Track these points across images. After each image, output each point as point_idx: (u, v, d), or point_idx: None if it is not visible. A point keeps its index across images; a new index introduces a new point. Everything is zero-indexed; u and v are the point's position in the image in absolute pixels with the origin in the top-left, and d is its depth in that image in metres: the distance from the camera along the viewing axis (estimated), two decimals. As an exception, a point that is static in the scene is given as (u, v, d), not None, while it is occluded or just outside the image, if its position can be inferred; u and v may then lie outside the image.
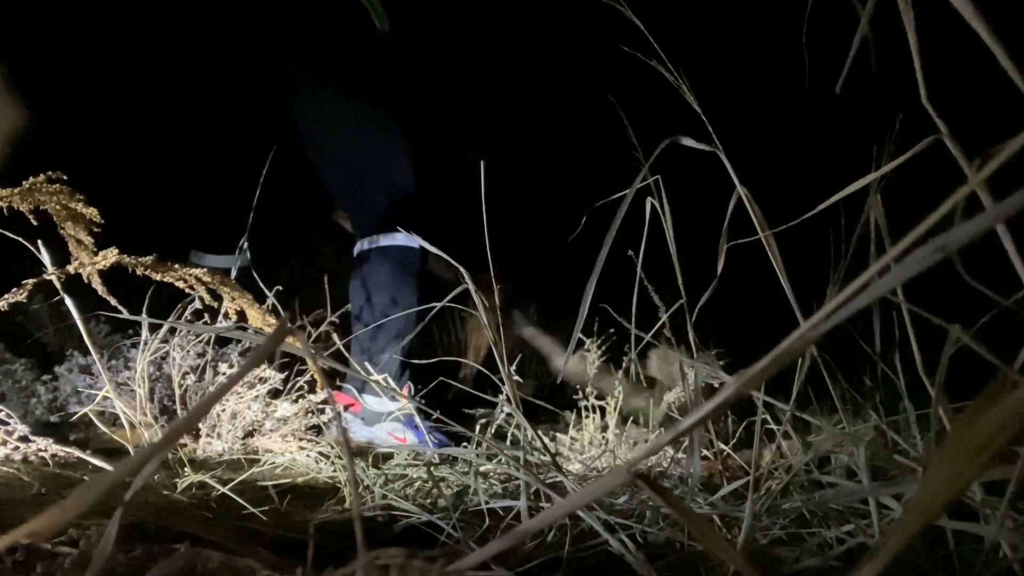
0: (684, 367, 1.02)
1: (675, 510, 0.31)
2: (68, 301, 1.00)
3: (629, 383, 1.44)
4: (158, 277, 1.09)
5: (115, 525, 0.41)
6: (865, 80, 0.56)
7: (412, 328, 1.81)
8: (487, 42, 2.24)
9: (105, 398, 1.24)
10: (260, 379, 1.38)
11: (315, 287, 2.18)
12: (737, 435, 1.32)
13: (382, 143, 1.93)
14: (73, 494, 0.28)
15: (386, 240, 1.88)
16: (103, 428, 1.23)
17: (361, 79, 1.92)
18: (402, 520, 0.82)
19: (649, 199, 0.78)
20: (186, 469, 1.04)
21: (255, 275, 1.91)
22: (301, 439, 1.35)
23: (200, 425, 1.33)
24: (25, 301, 1.01)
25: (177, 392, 1.36)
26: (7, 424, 0.98)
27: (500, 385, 0.86)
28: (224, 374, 1.41)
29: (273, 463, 1.19)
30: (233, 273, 2.07)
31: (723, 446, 1.14)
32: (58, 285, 1.01)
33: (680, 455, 1.15)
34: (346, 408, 1.81)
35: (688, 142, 0.69)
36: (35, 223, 1.00)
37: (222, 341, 1.50)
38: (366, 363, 1.72)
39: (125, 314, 1.01)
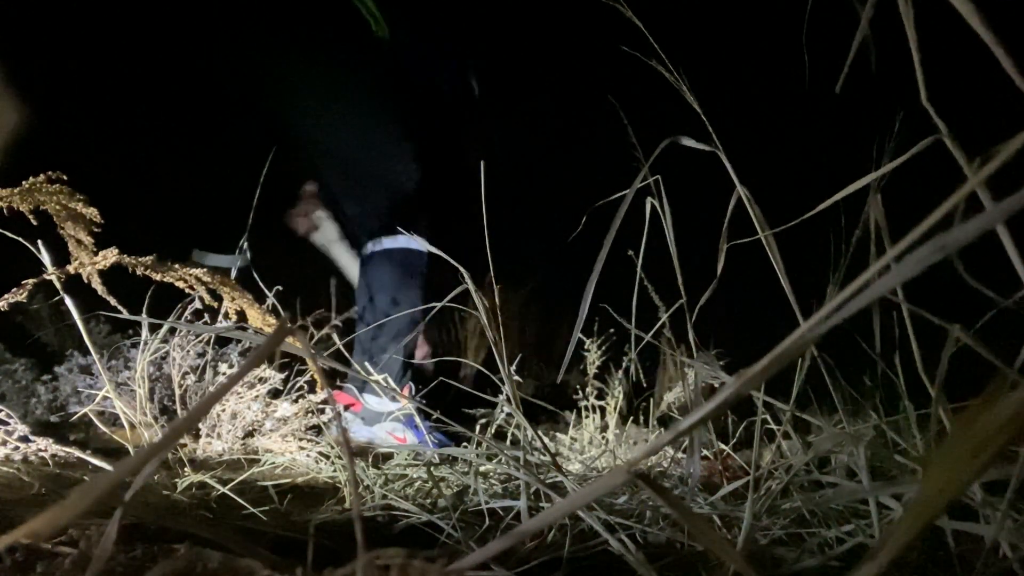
0: (684, 367, 1.02)
1: (675, 510, 0.31)
2: (68, 301, 1.00)
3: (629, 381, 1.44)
4: (158, 277, 1.09)
5: (115, 525, 0.41)
6: (865, 80, 0.56)
7: (414, 330, 1.82)
8: (487, 42, 2.24)
9: (105, 398, 1.24)
10: (260, 379, 1.38)
11: (315, 287, 2.18)
12: (737, 435, 1.32)
13: (383, 145, 1.94)
14: (73, 494, 0.28)
15: (390, 242, 1.88)
16: (103, 428, 1.23)
17: (360, 82, 1.92)
18: (402, 520, 0.82)
19: (649, 199, 0.78)
20: (186, 469, 1.04)
21: (255, 275, 1.92)
22: (301, 439, 1.35)
23: (200, 425, 1.33)
24: (25, 301, 1.01)
25: (177, 392, 1.36)
26: (7, 424, 0.98)
27: (500, 385, 0.86)
28: (224, 374, 1.41)
29: (273, 463, 1.19)
30: (233, 273, 2.07)
31: (723, 446, 1.14)
32: (58, 285, 1.01)
33: (680, 455, 1.15)
34: (346, 408, 1.81)
35: (688, 142, 0.69)
36: (35, 223, 1.00)
37: (222, 341, 1.50)
38: (366, 363, 1.72)
39: (125, 314, 1.01)
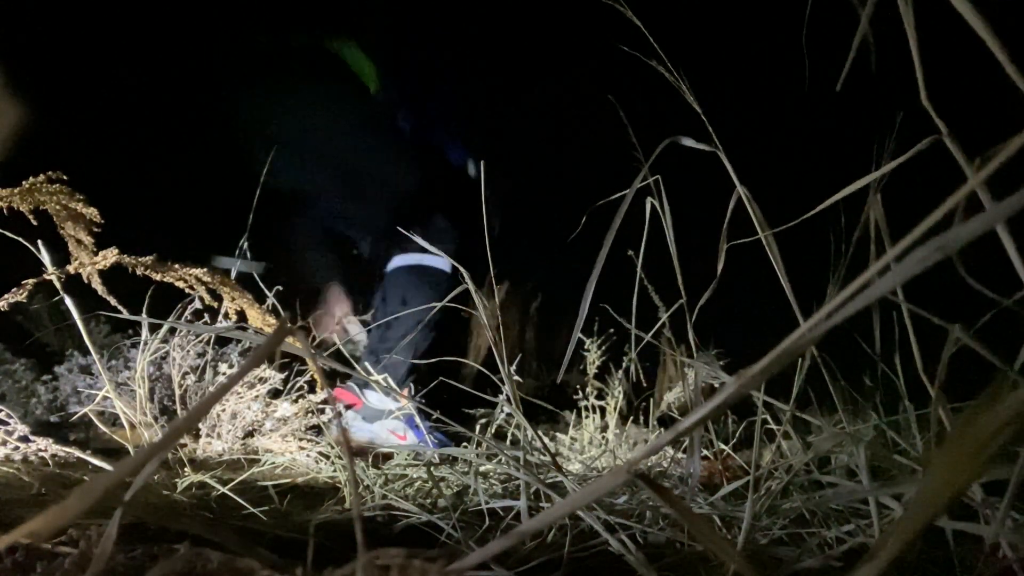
0: (684, 367, 1.02)
1: (675, 510, 0.31)
2: (68, 301, 1.00)
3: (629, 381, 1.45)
4: (158, 277, 1.09)
5: (115, 525, 0.41)
6: (865, 80, 0.56)
7: (427, 342, 1.87)
8: (488, 42, 2.25)
9: (105, 398, 1.24)
10: (260, 379, 1.38)
11: (315, 287, 2.18)
12: (737, 435, 1.32)
13: (387, 165, 2.02)
14: (73, 494, 0.28)
15: (417, 259, 1.94)
16: (103, 428, 1.23)
17: (364, 124, 1.98)
18: (402, 520, 0.82)
19: (649, 199, 0.78)
20: (186, 469, 1.04)
21: (255, 275, 1.92)
22: (301, 439, 1.35)
23: (200, 425, 1.33)
24: (25, 301, 1.01)
25: (177, 392, 1.36)
26: (7, 424, 0.98)
27: (500, 385, 0.86)
28: (224, 374, 1.41)
29: (273, 463, 1.19)
30: (234, 273, 2.07)
31: (723, 446, 1.14)
32: (58, 285, 1.01)
33: (680, 455, 1.15)
34: (348, 406, 1.81)
35: (688, 142, 0.69)
36: (35, 223, 1.00)
37: (222, 341, 1.50)
38: (367, 363, 1.73)
39: (125, 314, 1.01)
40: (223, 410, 1.34)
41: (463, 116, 2.24)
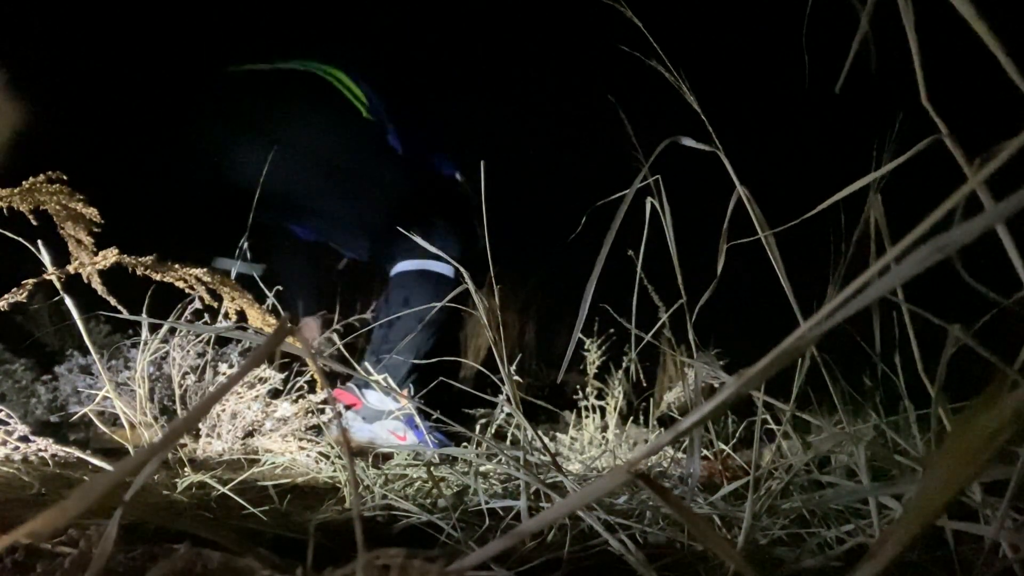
0: (684, 367, 1.02)
1: (675, 510, 0.31)
2: (68, 301, 1.00)
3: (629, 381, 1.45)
4: (158, 277, 1.09)
5: (115, 525, 0.41)
6: (865, 80, 0.56)
7: (429, 345, 1.89)
8: (488, 43, 2.25)
9: (105, 398, 1.24)
10: (260, 379, 1.38)
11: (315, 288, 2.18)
12: (737, 435, 1.32)
13: (389, 176, 2.04)
14: (73, 494, 0.28)
15: (423, 264, 1.94)
16: (103, 428, 1.23)
17: (356, 148, 2.01)
18: (402, 520, 0.82)
19: (649, 199, 0.78)
20: (186, 469, 1.04)
21: (255, 275, 1.92)
22: (301, 439, 1.35)
23: (200, 425, 1.33)
24: (25, 301, 1.01)
25: (177, 392, 1.36)
26: (7, 424, 0.98)
27: (500, 385, 0.86)
28: (224, 374, 1.41)
29: (273, 463, 1.19)
30: (233, 274, 2.08)
31: (723, 446, 1.14)
32: (58, 285, 1.01)
33: (680, 455, 1.15)
34: (348, 407, 1.81)
35: (688, 142, 0.69)
36: (35, 223, 1.00)
37: (222, 341, 1.50)
38: (367, 363, 1.73)
39: (125, 314, 1.01)
40: (223, 410, 1.34)
41: (453, 134, 2.27)
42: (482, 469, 0.99)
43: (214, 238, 2.12)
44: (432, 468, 0.99)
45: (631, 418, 1.58)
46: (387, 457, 1.26)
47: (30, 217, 0.99)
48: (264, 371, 1.38)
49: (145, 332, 1.29)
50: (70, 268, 1.04)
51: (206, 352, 1.42)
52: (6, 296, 0.99)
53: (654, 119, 0.88)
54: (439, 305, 0.96)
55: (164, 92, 2.19)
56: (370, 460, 1.19)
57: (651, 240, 0.82)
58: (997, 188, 0.39)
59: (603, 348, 1.53)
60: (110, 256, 1.04)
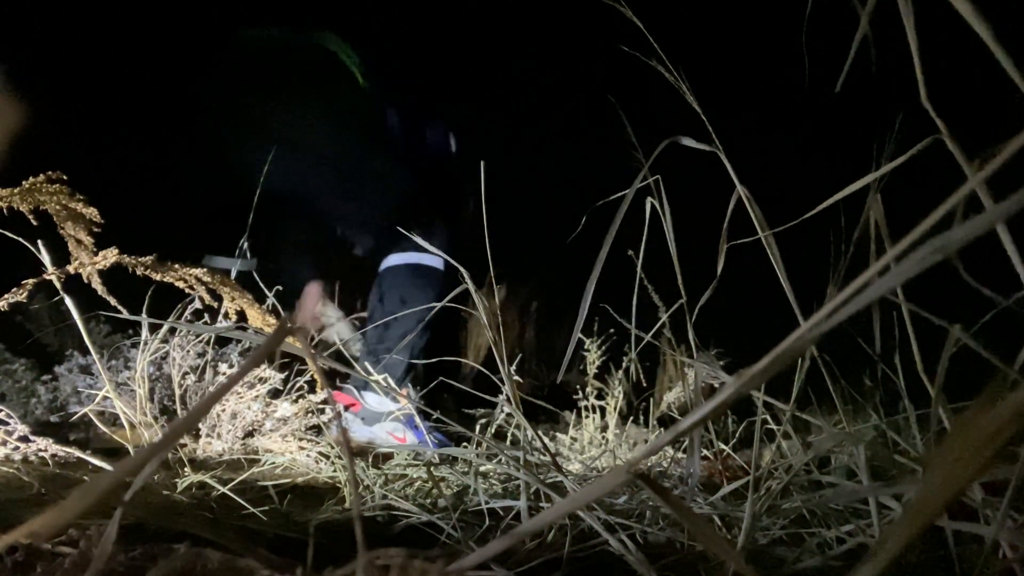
0: (684, 367, 1.02)
1: (675, 510, 0.31)
2: (68, 301, 1.00)
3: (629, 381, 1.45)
4: (158, 277, 1.09)
5: (115, 525, 0.41)
6: (865, 80, 0.56)
7: (423, 340, 1.86)
8: (487, 43, 2.25)
9: (105, 398, 1.24)
10: (260, 379, 1.38)
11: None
12: (737, 435, 1.32)
13: (383, 166, 2.02)
14: (73, 494, 0.28)
15: (414, 257, 1.93)
16: (103, 428, 1.23)
17: (354, 121, 1.99)
18: (402, 520, 0.82)
19: (649, 199, 0.78)
20: (186, 469, 1.04)
21: (255, 275, 1.92)
22: (301, 439, 1.35)
23: (200, 425, 1.33)
24: (25, 301, 1.01)
25: (177, 392, 1.36)
26: (7, 424, 0.98)
27: (500, 385, 0.86)
28: (224, 374, 1.41)
29: (273, 463, 1.19)
30: (233, 274, 2.08)
31: (723, 446, 1.14)
32: (58, 285, 1.01)
33: (680, 455, 1.15)
34: (346, 408, 1.81)
35: (688, 142, 0.69)
36: (35, 223, 1.00)
37: (222, 341, 1.50)
38: (367, 363, 1.72)
39: (125, 314, 1.01)
40: (223, 410, 1.34)
41: (449, 107, 2.24)
42: (482, 469, 0.99)
43: (213, 236, 2.12)
44: (432, 468, 0.99)
45: (631, 418, 1.58)
46: (387, 457, 1.26)
47: (30, 217, 0.99)
48: (264, 371, 1.38)
49: (145, 332, 1.29)
50: (70, 268, 1.04)
51: (206, 352, 1.42)
52: (6, 296, 0.99)
53: (654, 119, 0.88)
54: (439, 305, 0.96)
55: (164, 92, 2.19)
56: (370, 460, 1.19)
57: (651, 240, 0.82)
58: (997, 188, 0.39)
59: (603, 348, 1.53)
60: (110, 256, 1.04)
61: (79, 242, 1.04)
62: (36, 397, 1.58)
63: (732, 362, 1.58)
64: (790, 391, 0.72)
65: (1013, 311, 0.57)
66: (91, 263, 1.03)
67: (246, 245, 2.09)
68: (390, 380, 1.78)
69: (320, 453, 1.23)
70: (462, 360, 1.78)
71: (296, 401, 1.41)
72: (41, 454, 0.98)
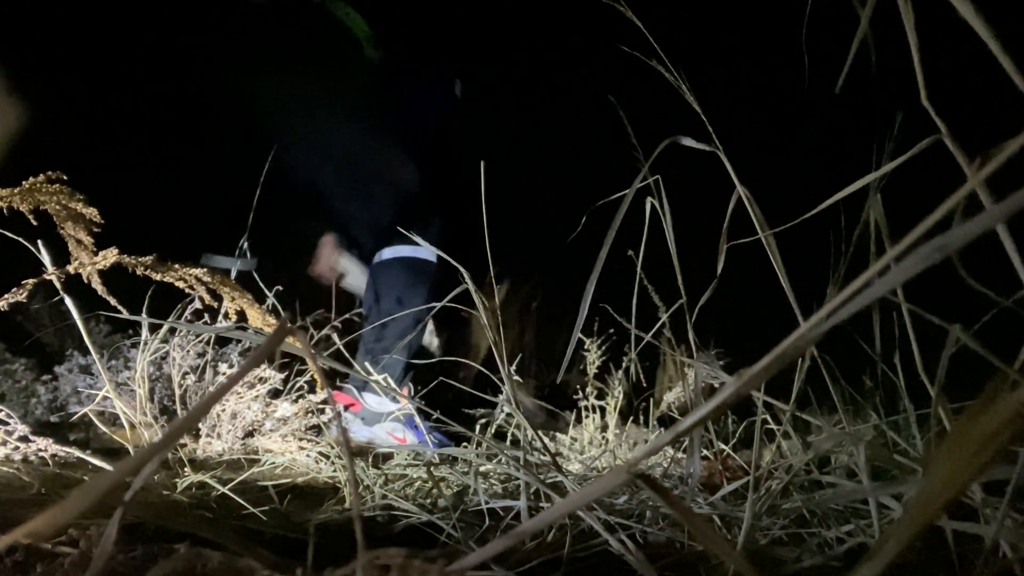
0: (684, 367, 1.02)
1: (675, 510, 0.31)
2: (68, 301, 1.00)
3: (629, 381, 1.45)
4: (158, 277, 1.09)
5: (115, 525, 0.41)
6: (865, 80, 0.56)
7: (419, 334, 1.85)
8: (487, 43, 2.25)
9: (105, 398, 1.24)
10: (260, 379, 1.38)
11: (315, 287, 2.19)
12: (737, 435, 1.32)
13: (381, 152, 1.97)
14: (73, 494, 0.28)
15: (402, 251, 1.91)
16: (103, 428, 1.23)
17: (356, 96, 1.95)
18: (402, 520, 0.82)
19: (649, 199, 0.78)
20: (186, 469, 1.04)
21: (255, 275, 1.92)
22: (301, 439, 1.35)
23: (200, 425, 1.33)
24: (25, 301, 1.01)
25: (177, 392, 1.36)
26: (7, 424, 0.98)
27: (500, 385, 0.86)
28: (224, 374, 1.41)
29: (273, 463, 1.19)
30: (233, 274, 2.08)
31: (723, 446, 1.14)
32: (58, 285, 1.01)
33: (680, 455, 1.14)
34: (346, 408, 1.81)
35: (688, 142, 0.69)
36: (35, 223, 1.00)
37: (222, 341, 1.50)
38: (366, 363, 1.72)
39: (125, 314, 1.01)
40: (223, 410, 1.34)
41: (457, 77, 2.19)
42: (482, 469, 0.99)
43: (213, 236, 2.12)
44: (432, 468, 0.99)
45: (631, 418, 1.58)
46: (387, 457, 1.26)
47: (30, 217, 0.99)
48: (264, 371, 1.38)
49: (145, 332, 1.29)
50: (70, 268, 1.04)
51: (206, 352, 1.42)
52: (6, 296, 0.99)
53: (654, 119, 0.88)
54: (438, 306, 0.96)
55: (163, 92, 2.19)
56: (370, 460, 1.19)
57: (651, 240, 0.82)
58: (997, 188, 0.39)
59: (603, 348, 1.53)
60: (110, 256, 1.04)
61: (79, 242, 1.04)
62: (36, 397, 1.58)
63: (732, 362, 1.58)
64: (790, 391, 0.72)
65: (1013, 311, 0.57)
66: (91, 263, 1.03)
67: (246, 245, 2.09)
68: (390, 380, 1.78)
69: (320, 453, 1.23)
70: (462, 360, 1.78)
71: (296, 401, 1.41)
72: (41, 454, 0.98)
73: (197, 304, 1.28)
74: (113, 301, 1.08)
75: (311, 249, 2.26)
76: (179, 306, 1.33)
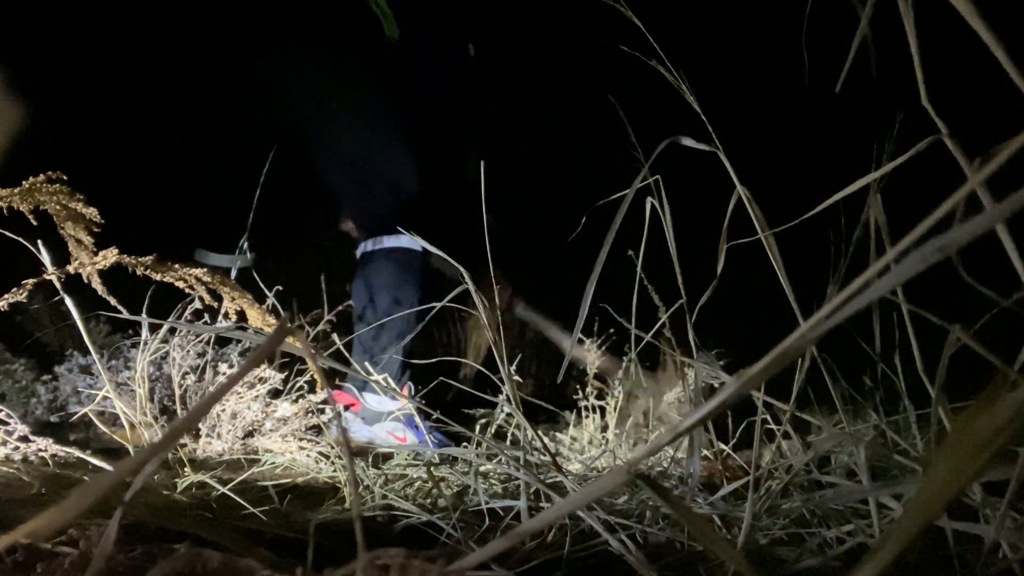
0: (684, 367, 1.02)
1: (675, 510, 0.31)
2: (68, 301, 1.00)
3: (629, 380, 1.45)
4: (158, 277, 1.09)
5: (115, 525, 0.41)
6: (865, 80, 0.56)
7: (413, 329, 1.82)
8: (488, 42, 2.24)
9: (105, 398, 1.24)
10: (260, 379, 1.38)
11: (315, 287, 2.18)
12: (737, 435, 1.32)
13: (386, 146, 1.95)
14: (73, 494, 0.28)
15: (390, 241, 1.89)
16: (103, 428, 1.23)
17: (367, 83, 1.93)
18: (402, 520, 0.82)
19: (649, 199, 0.78)
20: (186, 469, 1.04)
21: (255, 275, 1.92)
22: (301, 439, 1.35)
23: (200, 425, 1.33)
24: (25, 301, 1.01)
25: (177, 392, 1.36)
26: (7, 424, 0.98)
27: (500, 385, 0.86)
28: (224, 374, 1.41)
29: (273, 463, 1.19)
30: (233, 273, 2.08)
31: (723, 446, 1.14)
32: (58, 285, 1.01)
33: (680, 455, 1.14)
34: (346, 407, 1.81)
35: (688, 142, 0.69)
36: (35, 223, 1.00)
37: (222, 341, 1.50)
38: (366, 363, 1.72)
39: (125, 314, 1.01)
40: (223, 410, 1.34)
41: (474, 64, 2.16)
42: (482, 469, 0.99)
43: (212, 235, 2.11)
44: (432, 468, 0.99)
45: (631, 418, 1.58)
46: (387, 457, 1.26)
47: (30, 217, 0.99)
48: (264, 371, 1.38)
49: (145, 332, 1.29)
50: (70, 268, 1.04)
51: (206, 352, 1.42)
52: (6, 296, 0.99)
53: (654, 119, 0.88)
54: (438, 306, 0.96)
55: (163, 92, 2.19)
56: (370, 460, 1.19)
57: (651, 240, 0.82)
58: (997, 188, 0.39)
59: (603, 348, 1.54)
60: (110, 256, 1.04)
61: (79, 242, 1.04)
62: (36, 397, 1.58)
63: (732, 362, 1.58)
64: (790, 391, 0.72)
65: (1013, 311, 0.57)
66: (91, 263, 1.04)
67: (246, 245, 2.09)
68: (390, 380, 1.78)
69: (320, 453, 1.23)
70: (462, 360, 1.78)
71: (296, 401, 1.41)
72: (41, 454, 0.98)
73: (197, 304, 1.28)
74: (113, 301, 1.08)
75: (311, 249, 2.26)
76: (179, 306, 1.33)
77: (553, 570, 0.63)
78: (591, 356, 1.54)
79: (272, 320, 1.26)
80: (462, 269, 0.88)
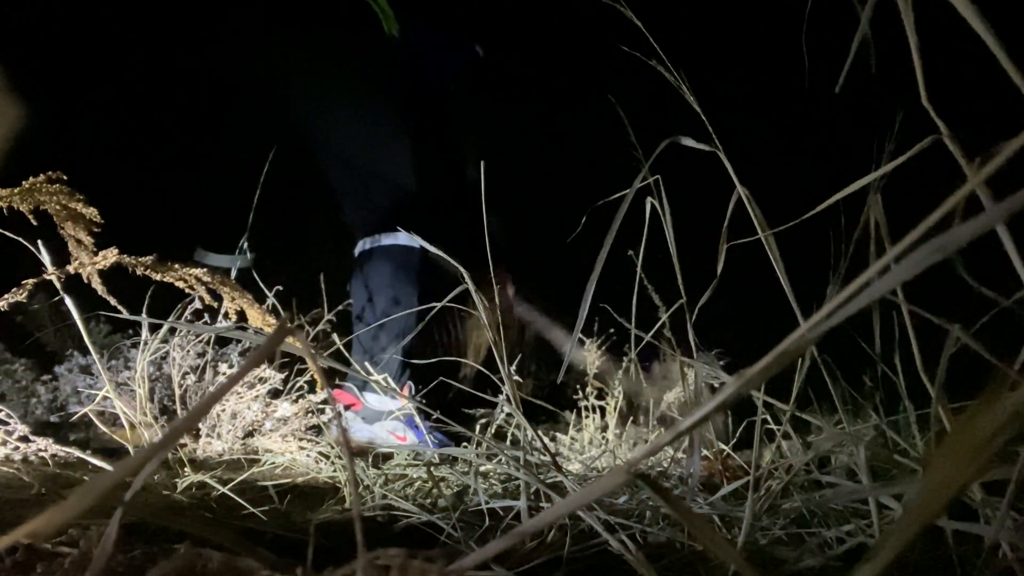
0: (684, 367, 1.02)
1: (675, 510, 0.31)
2: (68, 301, 1.00)
3: (629, 381, 1.45)
4: (158, 277, 1.09)
5: (115, 525, 0.41)
6: (865, 80, 0.56)
7: (412, 328, 1.82)
8: (488, 42, 2.24)
9: (105, 398, 1.24)
10: (260, 379, 1.38)
11: (315, 287, 2.18)
12: (737, 435, 1.32)
13: (386, 144, 1.94)
14: (73, 494, 0.28)
15: (388, 239, 1.89)
16: (103, 428, 1.23)
17: (367, 80, 1.93)
18: (402, 520, 0.82)
19: (649, 199, 0.78)
20: (186, 469, 1.04)
21: (255, 275, 1.92)
22: (301, 439, 1.35)
23: (200, 425, 1.33)
24: (25, 301, 1.01)
25: (177, 392, 1.36)
26: (7, 424, 0.98)
27: (500, 385, 0.86)
28: (224, 374, 1.41)
29: (273, 463, 1.19)
30: (233, 273, 2.07)
31: (723, 446, 1.14)
32: (58, 285, 1.01)
33: (680, 455, 1.14)
34: (347, 407, 1.81)
35: (688, 142, 0.69)
36: (35, 223, 1.00)
37: (222, 341, 1.50)
38: (366, 363, 1.72)
39: (125, 314, 1.01)
40: (223, 410, 1.34)
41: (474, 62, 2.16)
42: (482, 469, 0.99)
43: (212, 235, 2.11)
44: (432, 468, 0.99)
45: (631, 418, 1.58)
46: (387, 457, 1.26)
47: (30, 217, 0.99)
48: (264, 371, 1.38)
49: (145, 332, 1.29)
50: (70, 268, 1.04)
51: (206, 352, 1.42)
52: (6, 296, 0.99)
53: (654, 119, 0.88)
54: (438, 306, 0.96)
55: (163, 91, 2.19)
56: (370, 460, 1.19)
57: (651, 240, 0.82)
58: (997, 188, 0.39)
59: (603, 348, 1.53)
60: (110, 256, 1.04)
61: (79, 242, 1.04)
62: (36, 397, 1.58)
63: (732, 362, 1.58)
64: (790, 391, 0.72)
65: (1013, 311, 0.57)
66: (91, 263, 1.03)
67: (246, 245, 2.09)
68: (390, 380, 1.78)
69: (320, 453, 1.23)
70: (462, 360, 1.78)
71: (296, 401, 1.41)
72: (41, 454, 0.98)
73: (197, 304, 1.28)
74: (113, 301, 1.08)
75: (311, 249, 2.26)
76: (179, 306, 1.33)
77: (553, 570, 0.63)
78: (591, 356, 1.54)
79: (272, 320, 1.26)
80: (462, 269, 0.88)
